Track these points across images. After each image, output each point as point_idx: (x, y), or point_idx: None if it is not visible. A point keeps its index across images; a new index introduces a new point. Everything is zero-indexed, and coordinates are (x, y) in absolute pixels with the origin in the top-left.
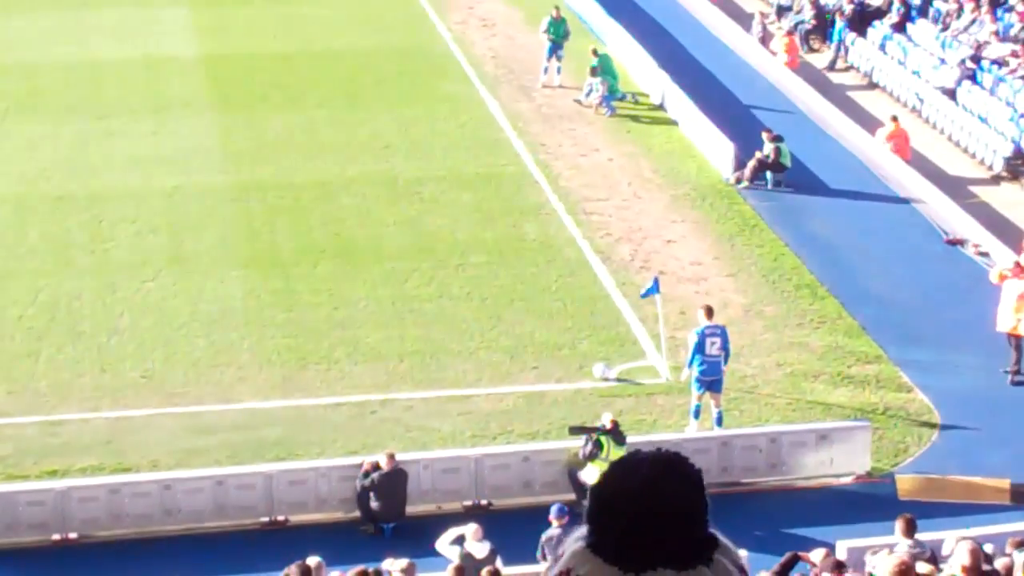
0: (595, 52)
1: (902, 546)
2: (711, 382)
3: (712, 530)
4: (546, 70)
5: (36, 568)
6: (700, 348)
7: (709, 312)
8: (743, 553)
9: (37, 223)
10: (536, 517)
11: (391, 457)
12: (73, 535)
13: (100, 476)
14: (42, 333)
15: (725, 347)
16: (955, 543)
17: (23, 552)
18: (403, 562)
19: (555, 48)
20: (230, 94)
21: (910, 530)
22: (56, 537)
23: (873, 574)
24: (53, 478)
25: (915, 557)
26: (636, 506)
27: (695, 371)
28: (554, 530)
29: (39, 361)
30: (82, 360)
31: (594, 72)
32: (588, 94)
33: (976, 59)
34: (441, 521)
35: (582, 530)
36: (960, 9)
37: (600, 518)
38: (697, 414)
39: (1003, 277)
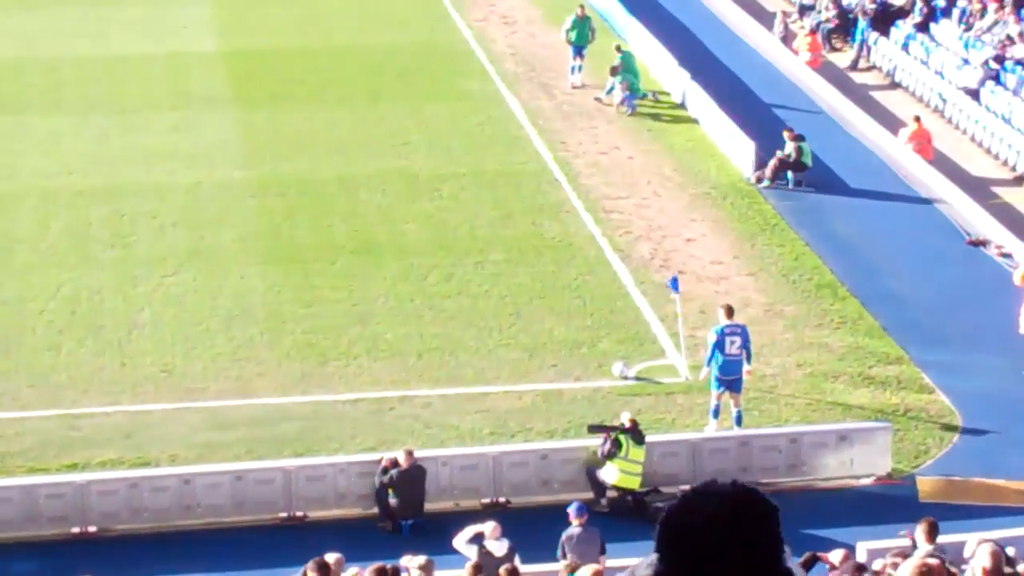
0: (619, 49)
1: (922, 550)
2: (731, 381)
3: (789, 565)
4: (573, 70)
5: (55, 560)
6: (720, 347)
7: (729, 311)
8: None
9: (59, 217)
10: (554, 515)
11: (410, 454)
12: (92, 528)
13: (120, 470)
14: (63, 327)
15: (746, 346)
16: (976, 545)
17: (43, 544)
18: (421, 559)
19: (579, 48)
20: (251, 90)
21: (932, 533)
22: (75, 530)
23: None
24: (73, 471)
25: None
26: (705, 538)
27: (714, 370)
28: (574, 529)
29: (60, 355)
30: (103, 354)
31: (614, 71)
32: (608, 91)
33: (1000, 59)
34: (459, 518)
35: (651, 557)
36: (984, 9)
37: (668, 548)
38: (716, 413)
39: None
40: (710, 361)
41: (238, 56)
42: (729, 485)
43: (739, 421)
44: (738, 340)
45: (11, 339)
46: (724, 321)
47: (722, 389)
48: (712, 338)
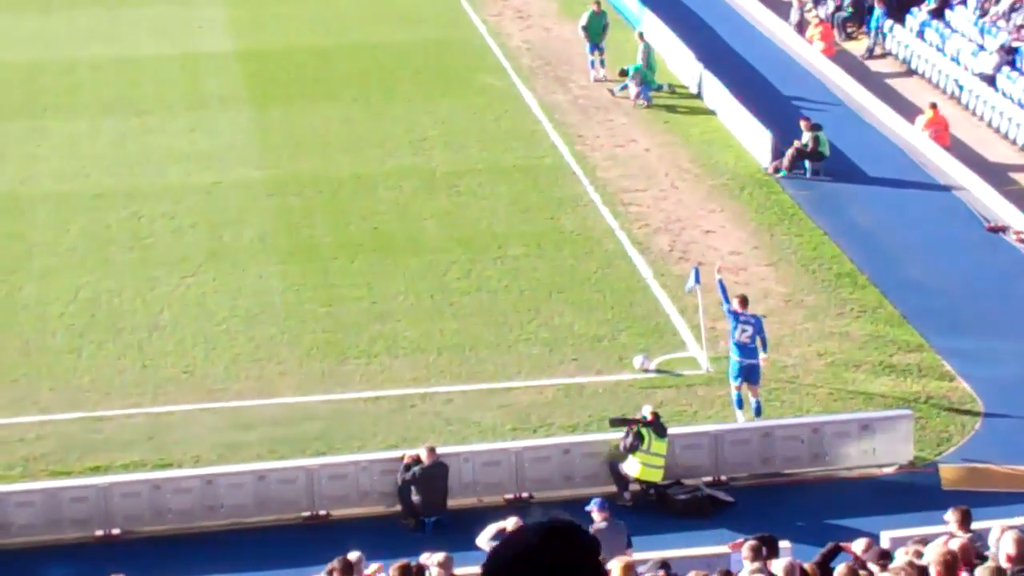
0: (641, 37)
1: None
2: (749, 369)
3: None
4: (592, 64)
5: (80, 564)
6: (733, 327)
7: (743, 302)
8: (786, 544)
9: (77, 220)
10: (577, 510)
11: (432, 451)
12: (116, 531)
13: (142, 472)
14: (83, 330)
15: (761, 335)
16: (1000, 532)
17: (67, 548)
18: (440, 556)
19: (596, 41)
20: (267, 89)
21: (965, 522)
22: (99, 533)
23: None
24: (96, 474)
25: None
26: (520, 570)
27: (732, 357)
28: (600, 524)
29: (81, 358)
30: (123, 356)
31: (623, 74)
32: (621, 88)
33: (1015, 45)
34: (482, 514)
35: None
36: None
37: None
38: (740, 403)
39: None
40: (722, 291)
41: (253, 56)
42: (547, 520)
43: (759, 411)
44: (750, 330)
45: (32, 342)
46: (738, 310)
47: (740, 380)
48: (728, 307)
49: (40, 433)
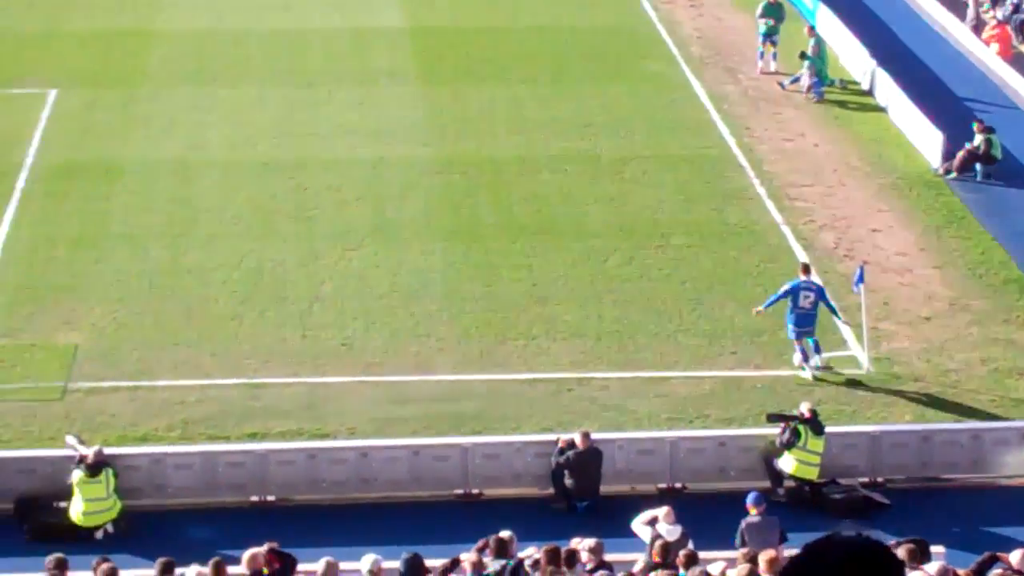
0: (812, 31)
1: None
2: (807, 333)
3: None
4: (762, 55)
5: (234, 528)
6: (794, 299)
7: (806, 269)
8: (940, 550)
9: (243, 188)
10: (730, 503)
11: (586, 436)
12: (271, 497)
13: (299, 441)
14: (246, 297)
15: (824, 301)
16: None
17: (222, 511)
18: (591, 541)
19: (770, 33)
20: (436, 67)
21: None
22: (254, 499)
23: None
24: (253, 440)
25: None
26: None
27: (790, 321)
28: (753, 518)
29: (243, 324)
30: (284, 326)
31: (803, 56)
32: (793, 80)
33: None
34: (634, 502)
35: None
36: None
37: None
38: (806, 357)
39: None
40: (769, 304)
41: (424, 32)
42: (855, 536)
43: (817, 348)
44: (812, 296)
45: (195, 308)
46: (801, 277)
47: (801, 338)
48: (785, 287)
49: (200, 397)
